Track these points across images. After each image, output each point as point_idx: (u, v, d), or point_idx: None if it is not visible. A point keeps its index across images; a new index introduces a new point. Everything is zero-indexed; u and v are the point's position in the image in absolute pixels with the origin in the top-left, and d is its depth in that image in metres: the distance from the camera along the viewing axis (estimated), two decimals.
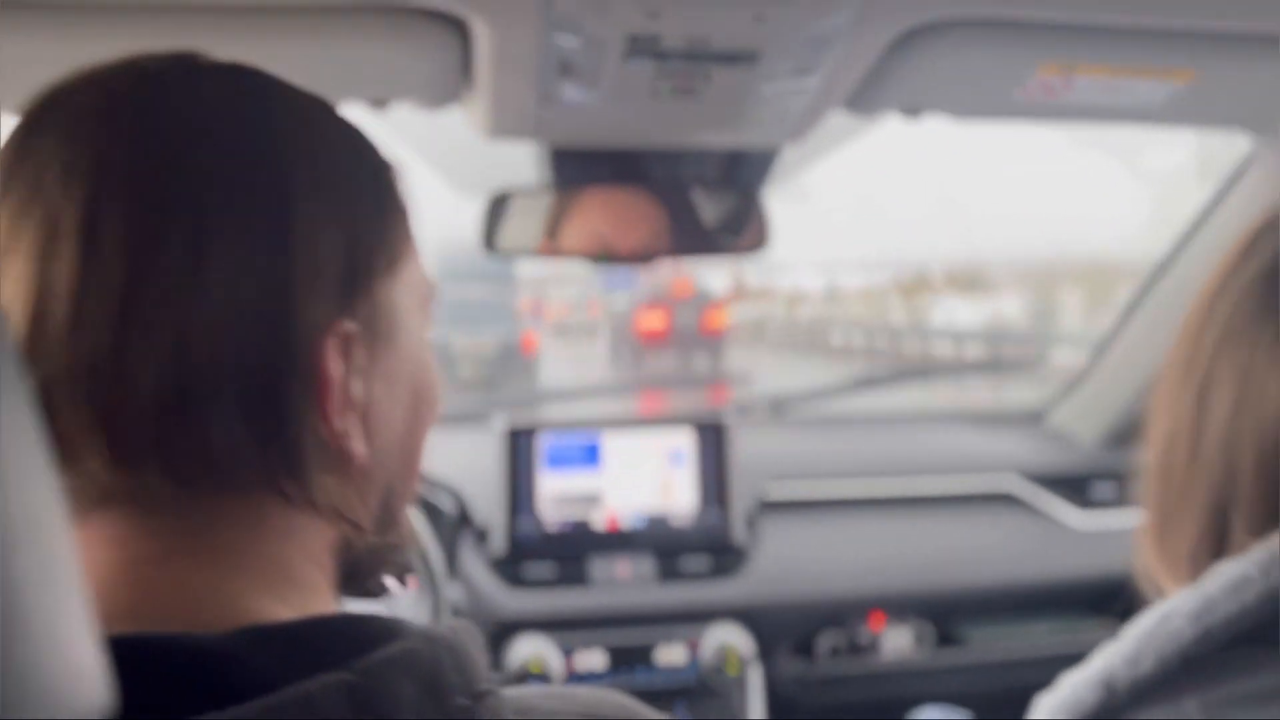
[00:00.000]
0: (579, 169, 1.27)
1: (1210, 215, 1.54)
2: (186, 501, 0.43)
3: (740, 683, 1.59)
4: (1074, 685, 0.72)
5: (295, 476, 0.45)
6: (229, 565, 0.44)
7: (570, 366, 13.89)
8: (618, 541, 1.64)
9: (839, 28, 0.90)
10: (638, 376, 12.22)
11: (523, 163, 1.34)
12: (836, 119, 1.18)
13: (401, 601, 1.34)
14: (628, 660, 1.57)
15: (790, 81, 1.01)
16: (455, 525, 1.63)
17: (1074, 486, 1.83)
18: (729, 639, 1.58)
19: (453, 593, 1.54)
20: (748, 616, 1.63)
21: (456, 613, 1.46)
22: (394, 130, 1.32)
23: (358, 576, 0.51)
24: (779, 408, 2.17)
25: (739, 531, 1.67)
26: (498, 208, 1.26)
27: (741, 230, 1.35)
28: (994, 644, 1.69)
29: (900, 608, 1.70)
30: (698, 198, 1.34)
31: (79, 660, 0.31)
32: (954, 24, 0.95)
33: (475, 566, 1.60)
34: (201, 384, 0.42)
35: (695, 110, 1.08)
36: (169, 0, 0.89)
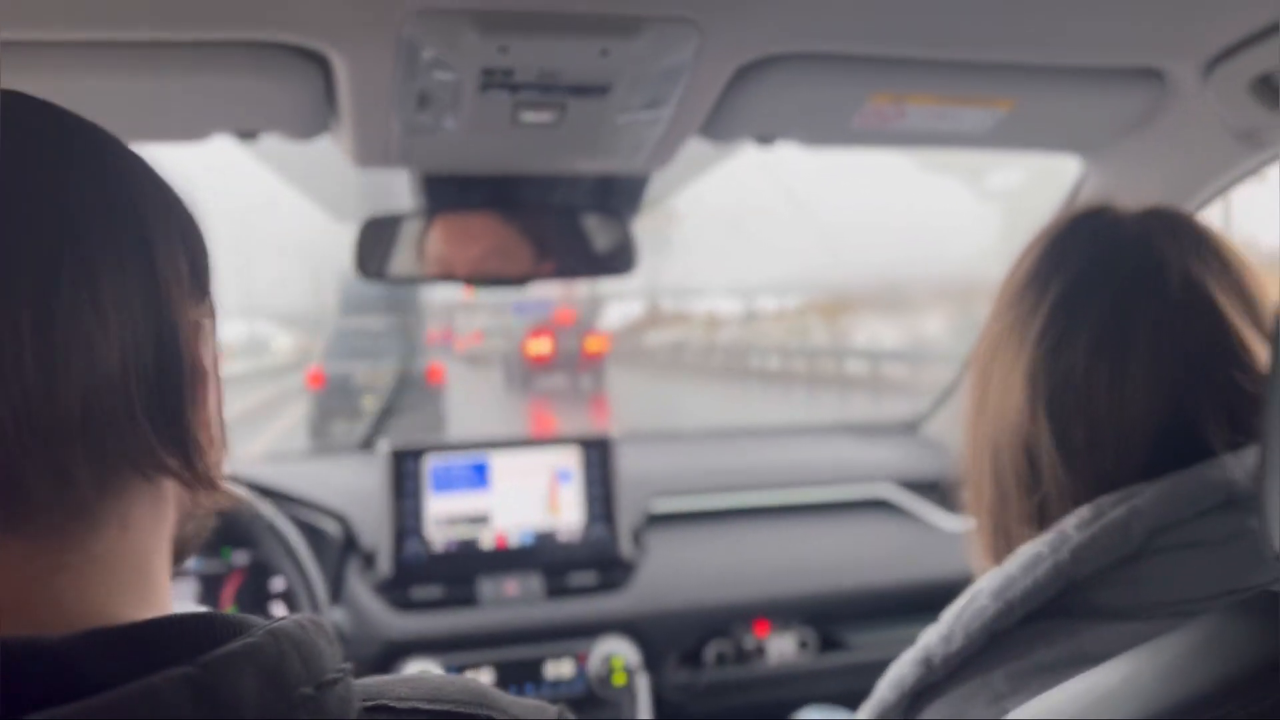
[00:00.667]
0: (452, 195, 1.30)
1: None
2: (72, 511, 0.45)
3: (629, 692, 1.63)
4: (900, 664, 0.79)
5: (188, 459, 0.49)
6: (101, 570, 0.46)
7: (474, 392, 14.87)
8: (506, 560, 1.67)
9: (683, 61, 0.97)
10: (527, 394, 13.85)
11: (403, 191, 1.37)
12: (699, 146, 1.25)
13: None
14: (516, 676, 1.60)
15: (644, 112, 1.07)
16: (341, 550, 1.63)
17: (945, 492, 1.92)
18: (616, 651, 1.62)
19: (336, 616, 1.54)
20: (635, 629, 1.67)
21: (340, 638, 1.46)
22: (271, 163, 1.34)
23: (179, 558, 0.54)
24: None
25: (625, 546, 1.72)
26: (372, 233, 1.28)
27: (612, 253, 1.40)
28: (874, 646, 1.76)
29: (784, 615, 1.76)
30: (571, 222, 1.39)
31: None
32: (789, 57, 1.02)
33: (361, 591, 1.61)
34: (111, 395, 0.45)
35: (556, 138, 1.13)
36: (32, 35, 0.91)
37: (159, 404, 0.47)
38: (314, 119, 1.09)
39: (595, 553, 1.70)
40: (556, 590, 1.66)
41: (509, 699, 0.55)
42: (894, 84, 1.07)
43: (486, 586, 1.64)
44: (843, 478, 1.93)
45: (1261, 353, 0.72)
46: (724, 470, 1.95)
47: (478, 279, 1.32)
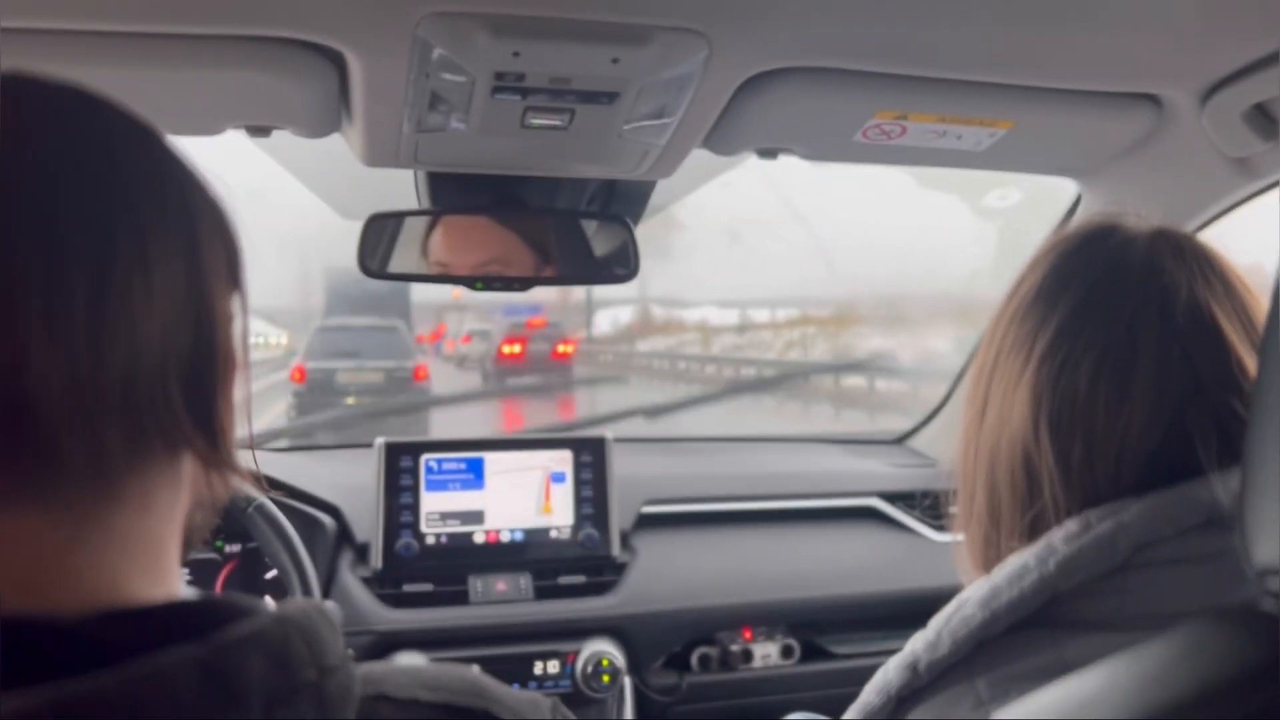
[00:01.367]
0: (457, 195, 1.32)
1: None
2: (100, 485, 0.47)
3: (614, 693, 1.64)
4: (886, 669, 0.80)
5: (213, 439, 0.51)
6: (119, 549, 0.47)
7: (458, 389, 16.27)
8: (497, 559, 1.68)
9: (691, 71, 0.98)
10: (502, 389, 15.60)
11: (407, 191, 1.38)
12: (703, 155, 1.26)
13: None
14: (504, 674, 1.60)
15: (650, 121, 1.09)
16: (335, 543, 1.64)
17: (932, 503, 1.94)
18: (604, 652, 1.63)
19: (328, 607, 1.55)
20: (622, 631, 1.68)
21: None
22: (277, 157, 1.35)
23: (186, 547, 0.55)
24: (654, 414, 2.24)
25: (616, 549, 1.73)
26: (375, 231, 1.29)
27: (615, 259, 1.41)
28: (859, 654, 1.77)
29: (770, 622, 1.78)
30: (575, 227, 1.40)
31: None
32: (795, 71, 1.04)
33: (353, 584, 1.62)
34: (151, 372, 0.47)
35: (564, 143, 1.14)
36: (51, 24, 0.92)
37: (193, 384, 0.49)
38: (326, 117, 1.11)
39: (586, 555, 1.71)
40: (547, 591, 1.67)
41: (504, 691, 0.56)
42: (898, 101, 1.09)
43: (477, 584, 1.65)
44: (833, 487, 1.94)
45: None
46: (714, 477, 1.96)
47: (479, 281, 1.33)
